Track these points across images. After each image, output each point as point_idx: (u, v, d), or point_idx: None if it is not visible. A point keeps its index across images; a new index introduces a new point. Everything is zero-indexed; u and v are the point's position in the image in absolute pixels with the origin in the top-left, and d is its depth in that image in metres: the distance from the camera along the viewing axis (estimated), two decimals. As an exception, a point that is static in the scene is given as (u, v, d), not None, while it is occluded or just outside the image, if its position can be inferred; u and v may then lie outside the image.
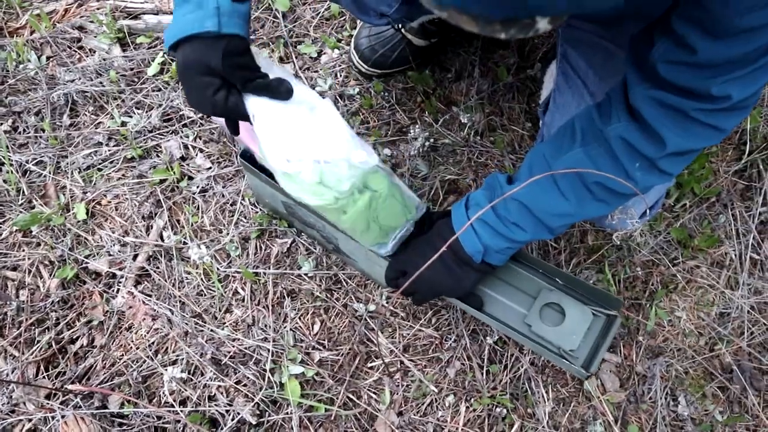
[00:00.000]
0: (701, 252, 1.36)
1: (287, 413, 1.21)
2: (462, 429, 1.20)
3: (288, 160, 0.87)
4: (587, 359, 1.08)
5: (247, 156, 1.11)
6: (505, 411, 1.22)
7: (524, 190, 0.91)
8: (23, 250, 1.31)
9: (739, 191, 1.40)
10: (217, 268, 1.29)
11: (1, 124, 1.42)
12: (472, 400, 1.23)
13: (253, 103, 0.86)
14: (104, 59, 1.47)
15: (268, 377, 1.22)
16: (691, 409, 1.26)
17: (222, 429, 1.18)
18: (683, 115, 0.80)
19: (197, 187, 1.36)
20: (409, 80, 1.44)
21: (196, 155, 1.39)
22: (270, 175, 1.06)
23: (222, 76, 0.83)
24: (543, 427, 1.22)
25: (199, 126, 1.42)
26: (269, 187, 1.14)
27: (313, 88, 1.43)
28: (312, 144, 0.87)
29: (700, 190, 1.38)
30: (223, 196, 1.35)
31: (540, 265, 1.15)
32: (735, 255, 1.36)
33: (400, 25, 1.38)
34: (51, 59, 1.49)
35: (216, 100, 0.83)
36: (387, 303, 1.29)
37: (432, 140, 1.39)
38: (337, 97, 1.43)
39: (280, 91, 0.86)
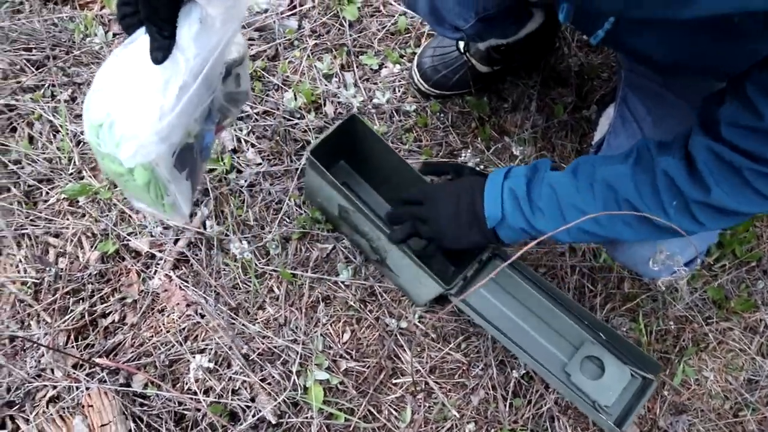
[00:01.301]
0: (736, 315, 1.36)
1: (307, 417, 1.20)
2: (480, 458, 1.20)
3: (100, 89, 0.82)
4: (620, 417, 1.07)
5: (318, 153, 1.12)
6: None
7: (561, 180, 0.94)
8: (68, 219, 1.31)
9: (780, 259, 1.40)
10: (256, 264, 1.29)
11: (61, 93, 1.43)
12: (493, 430, 1.23)
13: (141, 37, 0.80)
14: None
15: (294, 379, 1.22)
16: (709, 471, 1.26)
17: (241, 424, 1.18)
18: (736, 173, 0.79)
19: (245, 181, 1.36)
20: (467, 105, 1.45)
21: (248, 149, 1.40)
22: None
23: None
24: (560, 467, 1.21)
25: (254, 121, 1.43)
26: (330, 188, 1.14)
27: (371, 100, 1.45)
28: (124, 106, 0.81)
29: (742, 252, 1.38)
30: (269, 193, 1.35)
31: (585, 316, 1.14)
32: (769, 322, 1.36)
33: (465, 49, 1.39)
34: (117, 36, 1.50)
35: (120, 9, 0.81)
36: (419, 322, 1.29)
37: (482, 167, 1.39)
38: (393, 112, 1.44)
39: (151, 50, 0.78)
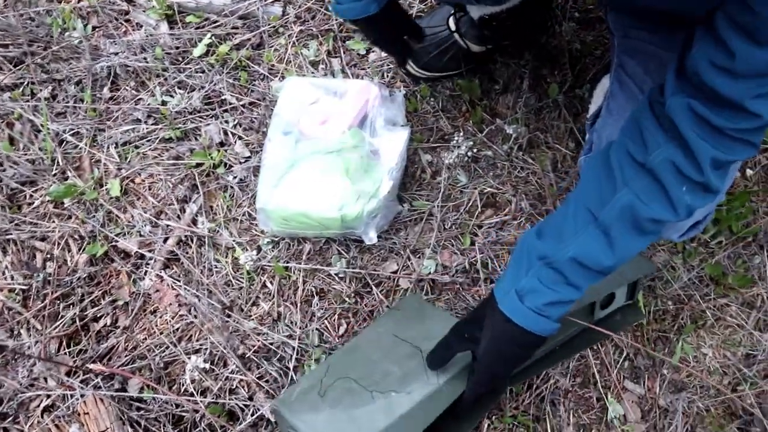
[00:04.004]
0: (733, 291, 1.35)
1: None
2: (482, 447, 1.20)
3: None
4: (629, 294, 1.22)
5: None
6: (523, 435, 1.22)
7: (580, 251, 0.88)
8: (54, 222, 1.29)
9: (777, 233, 1.39)
10: (248, 260, 1.27)
11: (41, 90, 1.39)
12: (494, 417, 1.22)
13: None
14: (150, 35, 1.44)
15: (291, 375, 1.20)
16: (710, 449, 1.26)
17: (240, 423, 1.17)
18: (717, 131, 0.78)
19: (234, 177, 1.34)
20: (457, 87, 1.42)
21: (235, 143, 1.37)
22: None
23: None
24: (562, 452, 1.21)
25: (240, 113, 1.40)
26: None
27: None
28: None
29: (738, 228, 1.36)
30: (257, 186, 1.33)
31: None
32: (767, 297, 1.35)
33: (456, 27, 1.36)
34: (97, 29, 1.47)
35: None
36: (416, 312, 1.27)
37: (474, 150, 1.37)
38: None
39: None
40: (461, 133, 1.38)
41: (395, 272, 1.30)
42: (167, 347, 1.21)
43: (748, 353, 1.33)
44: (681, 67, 0.80)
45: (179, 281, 1.26)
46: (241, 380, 1.20)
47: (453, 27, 1.37)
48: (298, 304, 1.26)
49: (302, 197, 1.23)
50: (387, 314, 1.22)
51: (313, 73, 1.43)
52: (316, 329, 1.25)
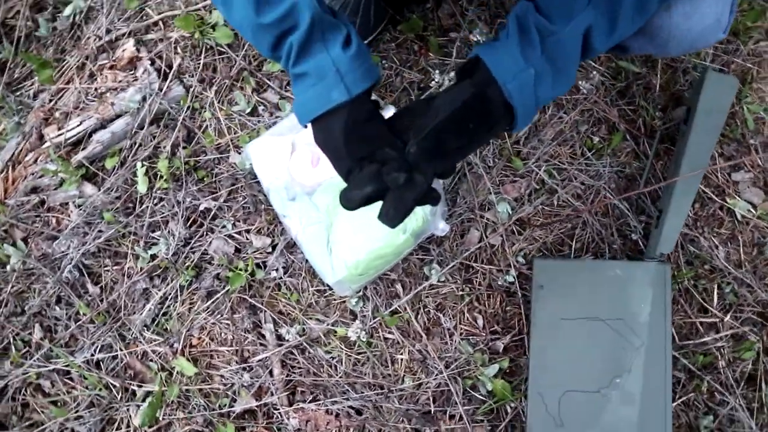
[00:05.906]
0: (755, 29, 1.31)
1: (508, 414, 1.15)
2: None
3: None
4: None
5: None
6: (689, 283, 1.20)
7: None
8: (163, 440, 1.16)
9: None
10: (356, 332, 1.17)
11: (31, 334, 1.21)
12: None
13: None
14: (84, 207, 1.24)
15: (475, 396, 1.15)
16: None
17: (471, 468, 1.13)
18: None
19: (276, 269, 1.21)
20: (399, 33, 1.28)
21: (249, 239, 1.23)
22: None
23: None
24: (729, 273, 1.20)
25: (228, 210, 1.24)
26: None
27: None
28: None
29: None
30: (306, 261, 1.21)
31: None
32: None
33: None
34: (29, 239, 1.25)
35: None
36: (525, 260, 1.21)
37: (451, 74, 1.25)
38: (343, 95, 1.26)
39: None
40: (436, 71, 1.26)
41: (481, 239, 1.22)
42: (359, 462, 1.14)
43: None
44: None
45: (316, 397, 1.16)
46: (444, 435, 1.14)
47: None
48: (429, 332, 1.19)
49: (362, 244, 1.12)
50: (535, 300, 1.14)
51: (259, 121, 1.27)
52: (461, 339, 1.18)
